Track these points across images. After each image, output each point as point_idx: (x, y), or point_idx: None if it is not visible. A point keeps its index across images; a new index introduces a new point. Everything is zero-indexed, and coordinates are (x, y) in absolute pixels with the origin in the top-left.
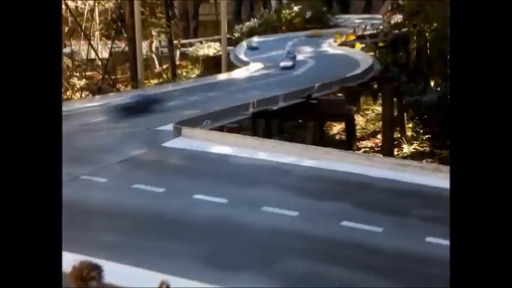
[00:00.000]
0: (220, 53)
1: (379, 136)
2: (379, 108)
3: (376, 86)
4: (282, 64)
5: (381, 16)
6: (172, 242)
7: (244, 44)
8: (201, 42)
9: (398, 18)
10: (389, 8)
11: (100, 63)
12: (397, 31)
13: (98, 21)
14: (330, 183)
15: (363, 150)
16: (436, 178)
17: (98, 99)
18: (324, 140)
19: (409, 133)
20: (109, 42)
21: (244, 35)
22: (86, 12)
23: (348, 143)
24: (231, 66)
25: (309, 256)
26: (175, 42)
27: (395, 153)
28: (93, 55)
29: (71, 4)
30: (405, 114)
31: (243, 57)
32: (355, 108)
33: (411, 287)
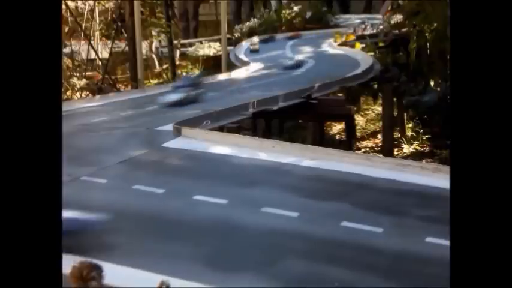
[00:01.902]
0: (220, 53)
1: (379, 136)
2: (379, 108)
3: (376, 86)
4: (167, 99)
5: (381, 16)
6: (172, 243)
7: (244, 44)
8: (201, 42)
9: (398, 18)
10: (389, 8)
11: (100, 63)
12: (397, 31)
13: (98, 21)
14: (330, 183)
15: (363, 150)
16: (436, 178)
17: (98, 99)
18: (324, 140)
19: (409, 133)
20: (109, 42)
21: (244, 35)
22: (86, 12)
23: (348, 143)
24: (231, 66)
25: (309, 257)
26: (175, 42)
27: (396, 153)
28: (93, 55)
29: (71, 4)
30: (405, 114)
31: (243, 57)
32: (355, 108)
33: (411, 287)
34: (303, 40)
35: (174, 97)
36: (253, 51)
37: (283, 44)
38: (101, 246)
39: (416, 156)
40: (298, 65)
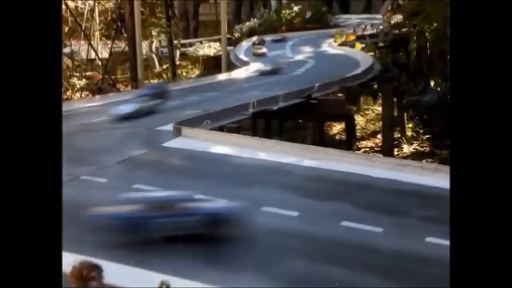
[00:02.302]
0: (220, 53)
1: (379, 136)
2: (379, 108)
3: (376, 86)
4: (117, 111)
5: (381, 16)
6: (172, 242)
7: (244, 44)
8: (201, 42)
9: (398, 18)
10: (389, 8)
11: (100, 63)
12: (397, 31)
13: (98, 21)
14: (330, 183)
15: (363, 150)
16: (436, 178)
17: (98, 99)
18: (324, 140)
19: (409, 133)
20: (109, 42)
21: (244, 35)
22: (86, 12)
23: (348, 143)
24: (231, 66)
25: (309, 256)
26: (175, 42)
27: (396, 153)
28: (93, 55)
29: (71, 4)
30: (405, 114)
31: (243, 57)
32: (355, 108)
33: (411, 287)
34: (303, 40)
35: (126, 109)
36: (257, 55)
37: (283, 45)
38: None
39: (416, 156)
40: (275, 71)
